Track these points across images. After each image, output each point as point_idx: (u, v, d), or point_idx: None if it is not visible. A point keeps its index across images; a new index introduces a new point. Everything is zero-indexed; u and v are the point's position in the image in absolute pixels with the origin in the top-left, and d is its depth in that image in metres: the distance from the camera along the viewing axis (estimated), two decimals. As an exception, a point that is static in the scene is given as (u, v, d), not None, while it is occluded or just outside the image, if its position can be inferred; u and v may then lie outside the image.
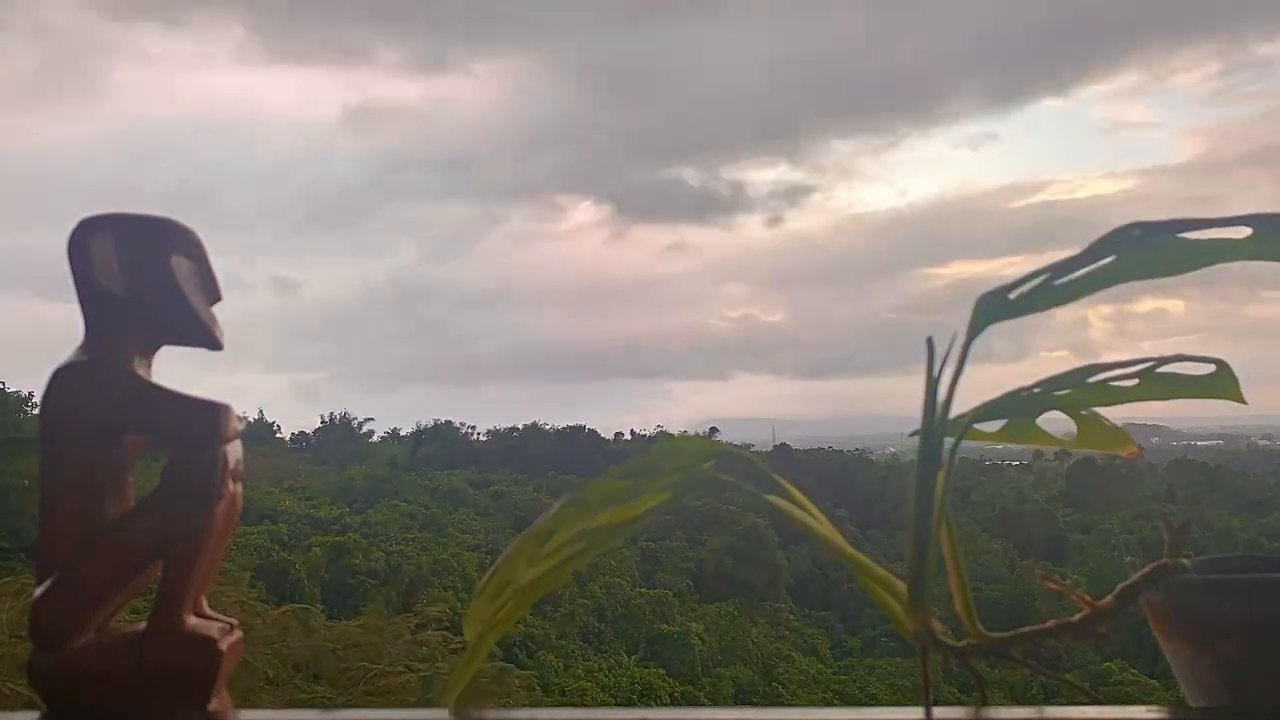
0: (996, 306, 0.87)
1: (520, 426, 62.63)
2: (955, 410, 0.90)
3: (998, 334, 0.89)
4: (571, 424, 60.88)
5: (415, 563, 26.59)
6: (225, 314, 1.07)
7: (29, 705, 0.96)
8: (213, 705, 0.96)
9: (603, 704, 18.29)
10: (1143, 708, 0.95)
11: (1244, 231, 0.82)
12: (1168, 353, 0.90)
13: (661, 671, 22.60)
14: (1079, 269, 0.86)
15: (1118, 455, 1.02)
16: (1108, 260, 0.85)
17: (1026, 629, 0.87)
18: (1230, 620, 0.84)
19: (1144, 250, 0.85)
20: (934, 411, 0.88)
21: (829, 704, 20.30)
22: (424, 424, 62.90)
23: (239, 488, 1.02)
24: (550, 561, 0.92)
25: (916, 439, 0.89)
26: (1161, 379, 0.92)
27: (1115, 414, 0.99)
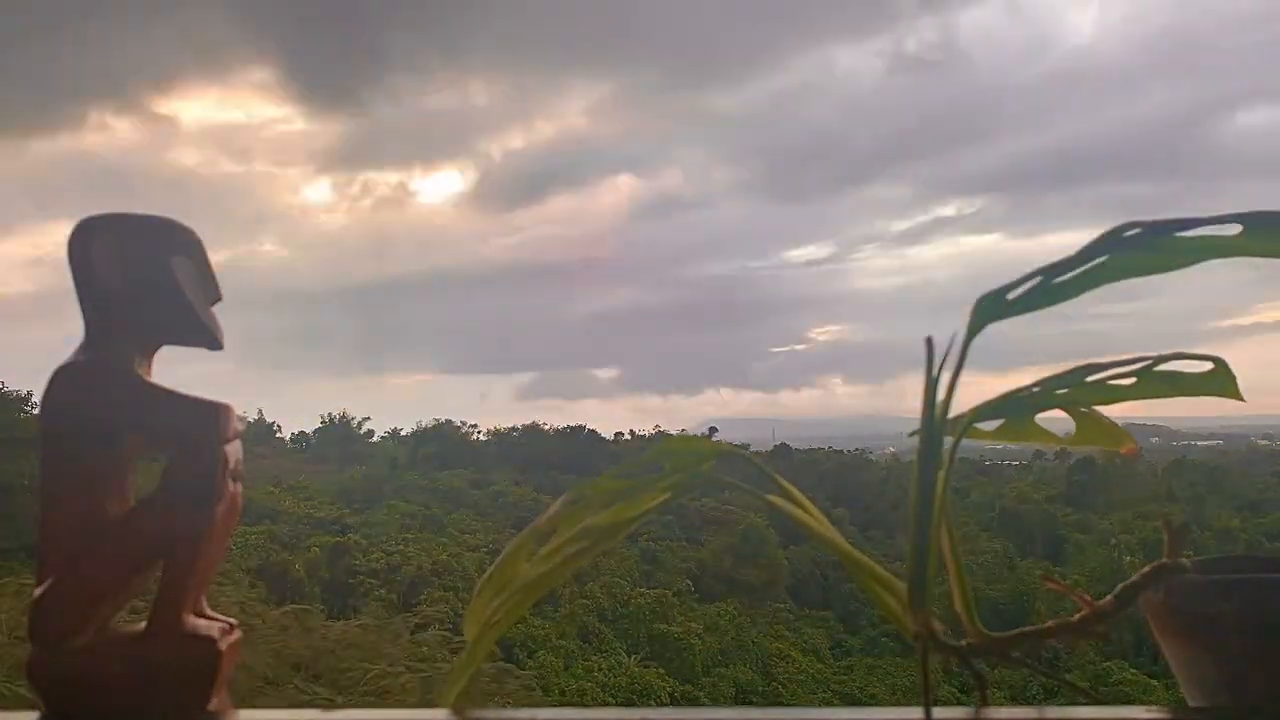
0: (995, 306, 0.88)
1: (520, 426, 62.70)
2: (955, 410, 0.91)
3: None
4: (571, 424, 61.00)
5: (415, 563, 26.59)
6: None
7: (29, 705, 0.96)
8: (213, 705, 0.96)
9: (603, 704, 18.29)
10: (1143, 708, 0.95)
11: (1235, 229, 0.84)
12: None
13: (661, 671, 22.60)
14: (1075, 268, 0.86)
15: (1117, 454, 1.02)
16: (1102, 259, 0.86)
17: (1026, 629, 0.87)
18: (1230, 620, 0.84)
19: (1138, 249, 0.86)
20: (934, 411, 0.88)
21: (829, 704, 20.31)
22: (424, 424, 62.98)
23: (239, 488, 1.02)
24: (550, 561, 0.92)
25: (916, 439, 0.89)
26: (1159, 377, 0.92)
27: (1115, 414, 1.00)
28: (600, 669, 21.97)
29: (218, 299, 1.08)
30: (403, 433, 64.80)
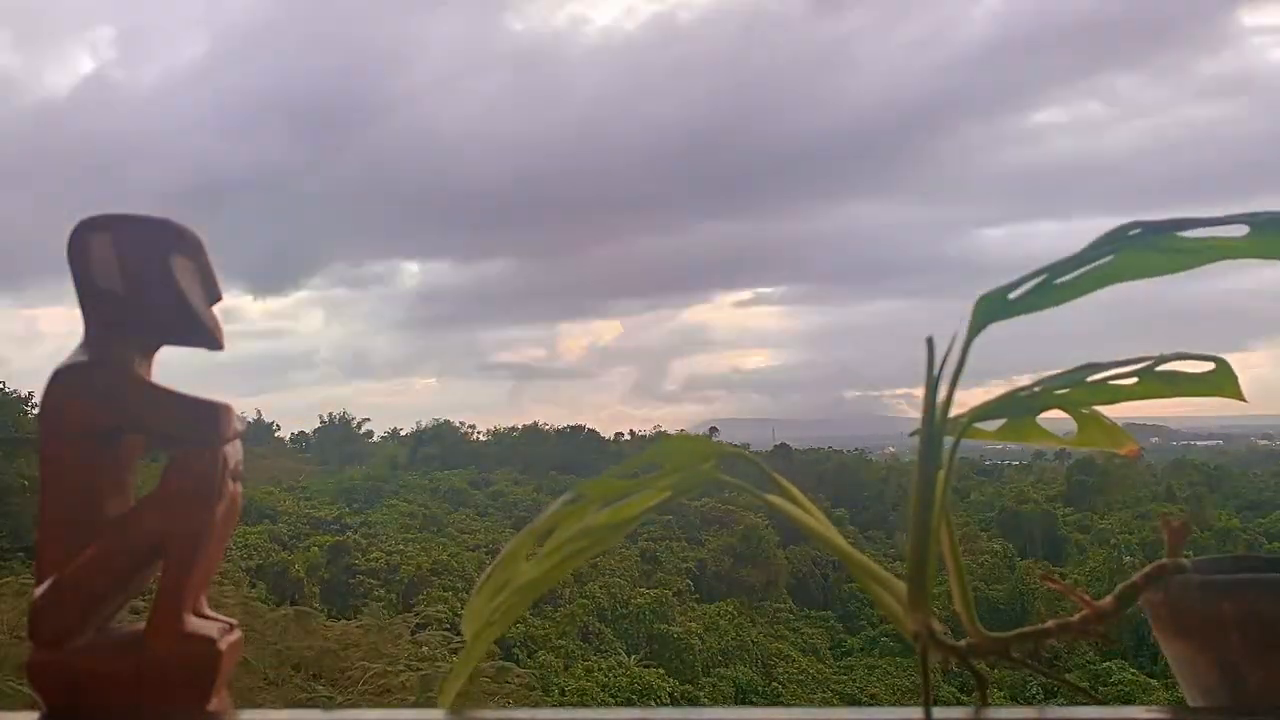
0: (996, 306, 0.87)
1: (520, 426, 62.74)
2: (955, 410, 0.91)
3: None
4: (571, 424, 61.05)
5: (415, 563, 26.60)
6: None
7: (29, 705, 0.96)
8: (213, 705, 0.96)
9: (603, 704, 18.28)
10: (1143, 708, 0.95)
11: (1241, 230, 0.83)
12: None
13: (661, 671, 22.60)
14: (1078, 268, 0.86)
15: (1118, 454, 1.02)
16: (1106, 259, 0.85)
17: (1026, 629, 0.86)
18: (1230, 620, 0.84)
19: (1143, 249, 0.85)
20: (934, 411, 0.88)
21: (829, 704, 20.30)
22: (424, 424, 63.00)
23: (239, 488, 1.02)
24: (549, 560, 0.91)
25: (916, 439, 0.89)
26: (1160, 377, 0.92)
27: (1115, 414, 0.99)
28: (600, 669, 21.96)
29: (218, 299, 1.08)
30: (403, 433, 64.84)
